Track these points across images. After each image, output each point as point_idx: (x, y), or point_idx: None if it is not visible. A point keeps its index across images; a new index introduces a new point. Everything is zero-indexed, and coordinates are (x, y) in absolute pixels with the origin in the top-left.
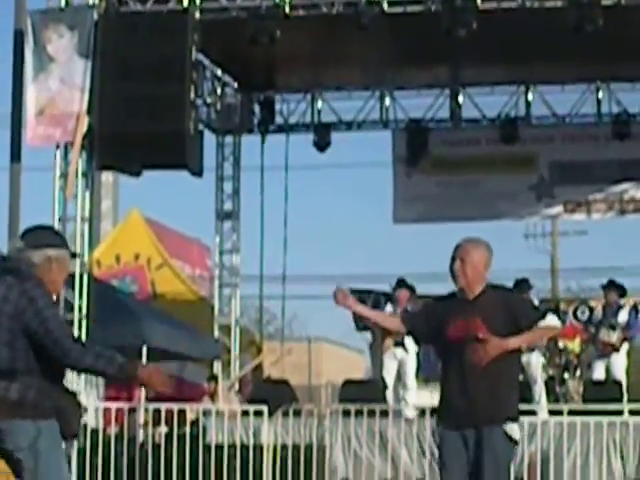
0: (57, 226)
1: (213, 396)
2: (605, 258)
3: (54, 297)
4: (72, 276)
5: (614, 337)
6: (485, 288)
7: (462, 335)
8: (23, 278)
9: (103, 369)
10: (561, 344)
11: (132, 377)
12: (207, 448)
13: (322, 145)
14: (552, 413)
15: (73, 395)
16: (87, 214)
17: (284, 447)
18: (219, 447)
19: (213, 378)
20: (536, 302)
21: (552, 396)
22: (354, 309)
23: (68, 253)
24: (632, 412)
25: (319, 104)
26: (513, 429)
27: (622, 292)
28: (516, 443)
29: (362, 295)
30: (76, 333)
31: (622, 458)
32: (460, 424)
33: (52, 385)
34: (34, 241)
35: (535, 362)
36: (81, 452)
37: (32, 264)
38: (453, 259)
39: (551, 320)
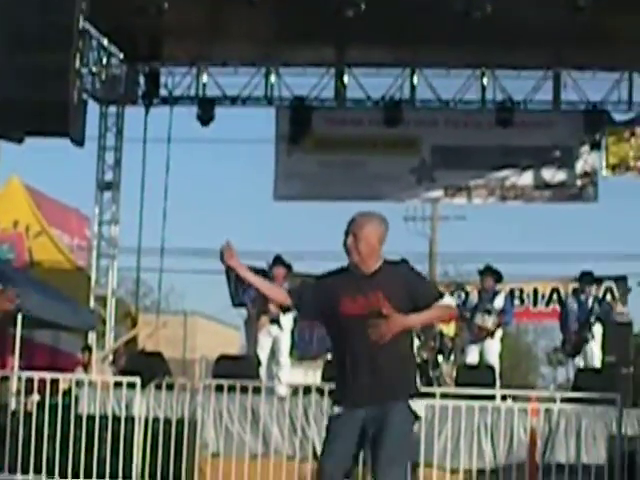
0: None
1: (86, 366)
2: (484, 244)
3: None
4: None
5: (490, 322)
6: (383, 264)
7: (363, 311)
8: None
9: None
10: (436, 328)
11: None
12: (79, 418)
13: (205, 119)
14: (424, 396)
15: None
16: None
17: (156, 420)
18: (91, 418)
19: (87, 348)
20: None
21: (425, 379)
22: (239, 271)
23: None
24: (504, 397)
25: (204, 78)
26: (417, 405)
27: (498, 278)
28: (418, 418)
29: None
30: None
31: (492, 443)
32: (362, 402)
33: None
34: None
35: None
36: None
37: None
38: (346, 234)
39: (448, 300)
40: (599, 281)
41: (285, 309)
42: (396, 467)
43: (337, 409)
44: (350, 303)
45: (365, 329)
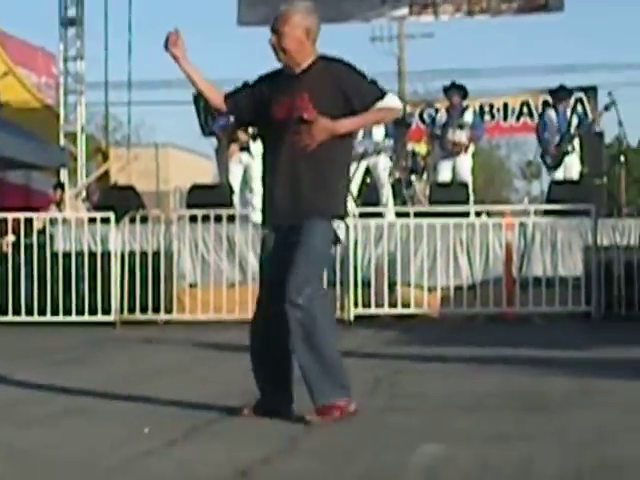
0: None
1: (60, 204)
2: (453, 60)
3: None
4: None
5: (463, 137)
6: (315, 60)
7: (287, 115)
8: None
9: None
10: (409, 147)
11: None
12: (55, 256)
13: None
14: (399, 215)
15: None
16: None
17: (132, 254)
18: (67, 255)
19: (59, 186)
20: None
21: (399, 199)
22: (180, 62)
23: None
24: (478, 213)
25: None
26: (340, 227)
27: (464, 93)
28: (338, 242)
29: None
30: None
31: (469, 259)
32: (283, 219)
33: None
34: None
35: (382, 165)
36: None
37: None
38: (271, 31)
39: (391, 100)
40: (571, 93)
41: (254, 136)
42: (309, 286)
43: (264, 230)
44: (277, 106)
45: (288, 135)
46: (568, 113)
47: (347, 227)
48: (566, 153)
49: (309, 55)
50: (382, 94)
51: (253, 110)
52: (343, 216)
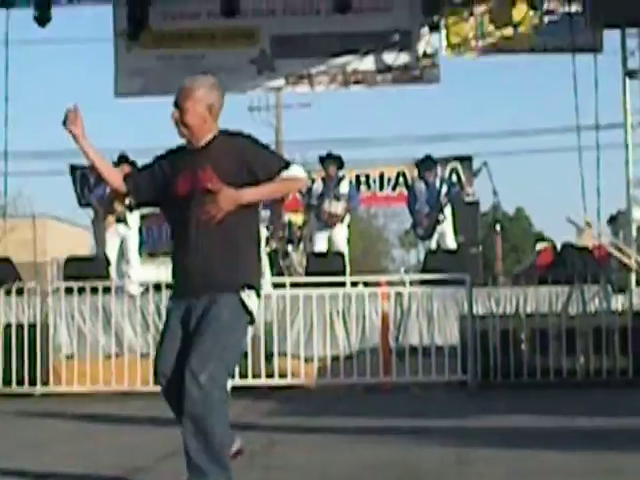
0: None
1: None
2: (330, 130)
3: None
4: None
5: (339, 208)
6: (218, 135)
7: (190, 190)
8: None
9: None
10: (285, 217)
11: None
12: None
13: (43, 20)
14: (275, 286)
15: None
16: None
17: (8, 326)
18: None
19: None
20: None
21: (275, 269)
22: (79, 141)
23: None
24: (354, 283)
25: None
26: (250, 297)
27: (340, 164)
28: (251, 315)
29: (85, 170)
30: None
31: (345, 329)
32: (189, 291)
33: None
34: None
35: None
36: None
37: None
38: (174, 106)
39: (296, 170)
40: (443, 162)
41: (131, 207)
42: (213, 363)
43: (170, 302)
44: (181, 182)
45: (193, 209)
46: (437, 183)
47: (259, 298)
48: (437, 222)
49: (211, 130)
50: (286, 164)
51: (154, 189)
52: (254, 286)
